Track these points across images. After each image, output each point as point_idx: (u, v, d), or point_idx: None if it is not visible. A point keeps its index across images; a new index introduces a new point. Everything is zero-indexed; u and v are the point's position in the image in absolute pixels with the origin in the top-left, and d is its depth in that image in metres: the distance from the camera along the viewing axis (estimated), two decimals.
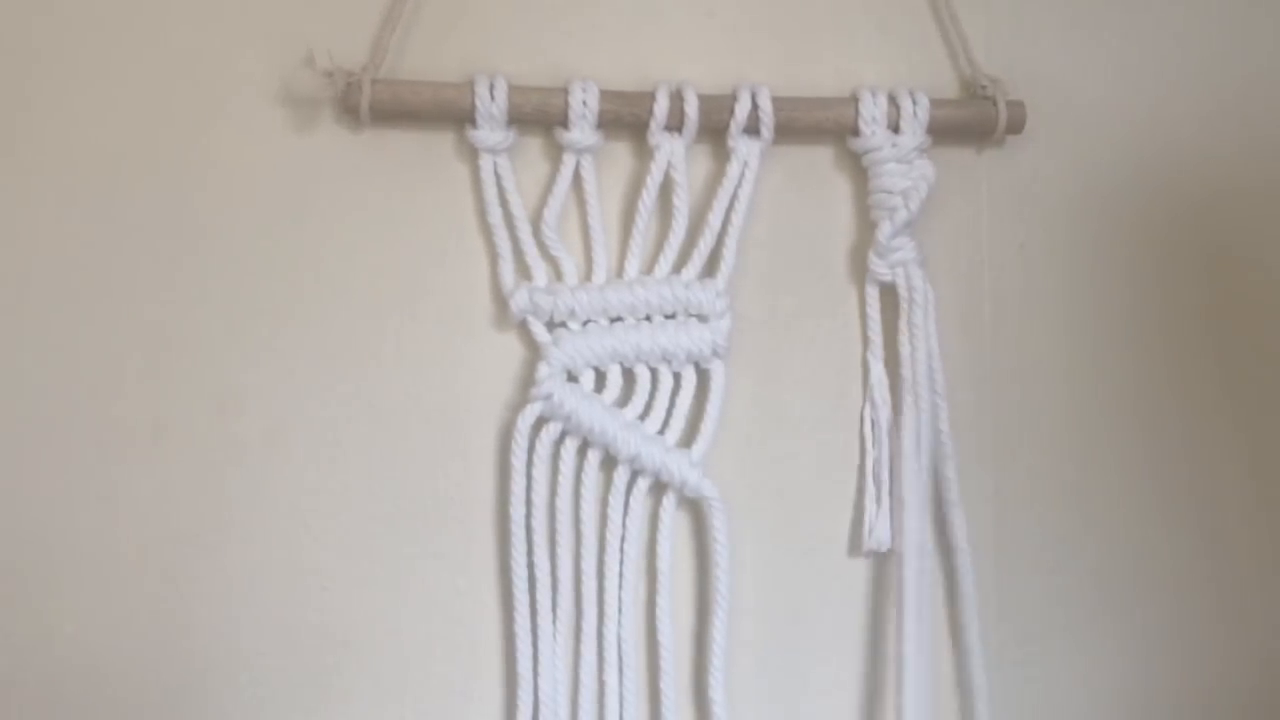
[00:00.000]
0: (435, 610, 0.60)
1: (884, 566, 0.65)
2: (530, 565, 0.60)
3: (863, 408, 0.64)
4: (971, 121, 0.63)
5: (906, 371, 0.62)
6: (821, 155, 0.64)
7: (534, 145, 0.61)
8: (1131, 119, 0.67)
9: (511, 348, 0.61)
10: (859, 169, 0.63)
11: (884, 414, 0.63)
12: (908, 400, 0.62)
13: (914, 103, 0.62)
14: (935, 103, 0.62)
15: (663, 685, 0.61)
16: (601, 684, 0.61)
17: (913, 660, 0.61)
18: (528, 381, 0.60)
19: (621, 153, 0.62)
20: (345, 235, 0.60)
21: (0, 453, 0.57)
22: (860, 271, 0.64)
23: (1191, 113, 0.68)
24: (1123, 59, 0.67)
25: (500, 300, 0.60)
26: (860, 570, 0.65)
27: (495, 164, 0.60)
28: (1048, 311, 0.67)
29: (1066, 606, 0.67)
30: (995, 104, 0.63)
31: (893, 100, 0.62)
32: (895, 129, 0.62)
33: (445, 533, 0.61)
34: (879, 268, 0.62)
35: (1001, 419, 0.66)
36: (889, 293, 0.63)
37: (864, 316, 0.64)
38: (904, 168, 0.62)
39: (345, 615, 0.60)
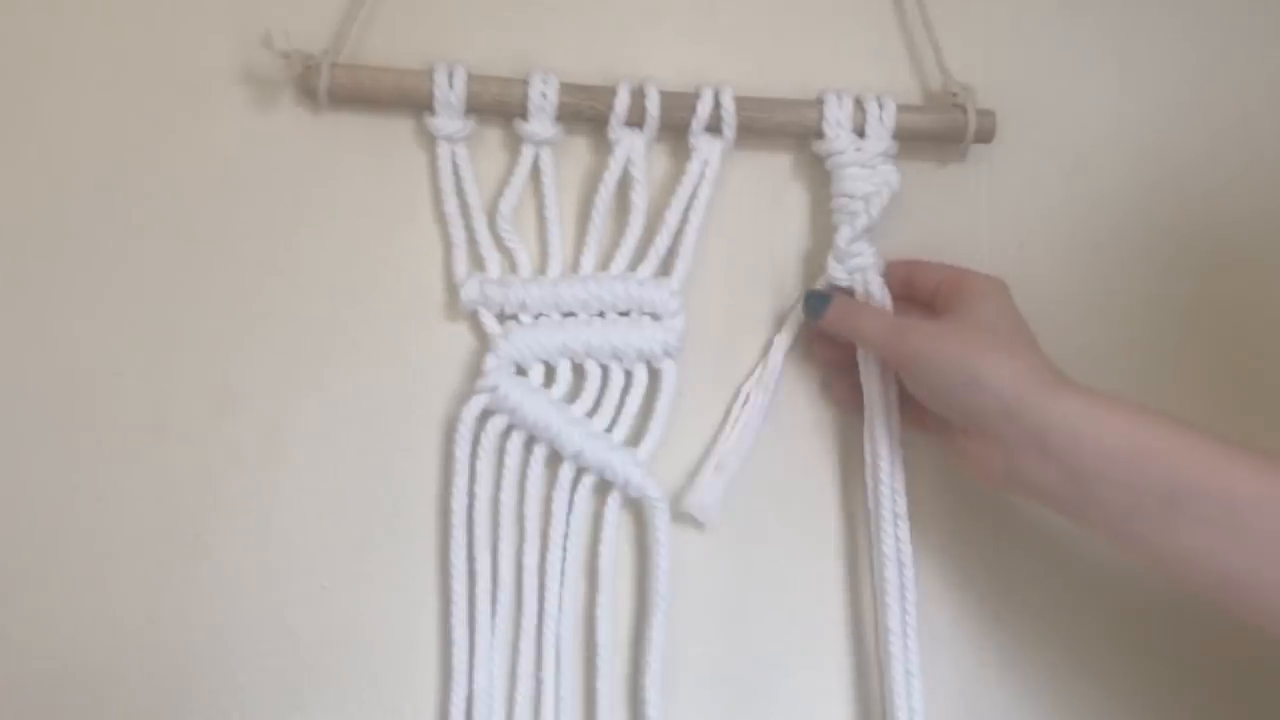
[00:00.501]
0: (435, 610, 0.60)
1: (854, 569, 0.64)
2: (470, 559, 0.59)
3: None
4: (938, 128, 0.62)
5: (864, 380, 0.61)
6: (782, 160, 0.64)
7: (494, 136, 0.61)
8: (1132, 119, 0.66)
9: (463, 339, 0.61)
10: (819, 175, 0.62)
11: None
12: (870, 412, 0.61)
13: (880, 107, 0.61)
14: (903, 108, 0.61)
15: (599, 685, 0.60)
16: (539, 681, 0.60)
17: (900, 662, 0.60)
18: (476, 374, 0.60)
19: (581, 147, 0.61)
20: (302, 218, 0.60)
21: (0, 452, 0.57)
22: (815, 276, 0.63)
23: (1192, 113, 0.67)
24: (1123, 59, 0.66)
25: (454, 290, 0.60)
26: (819, 571, 0.64)
27: (453, 153, 0.60)
28: (1048, 311, 0.65)
29: (1066, 608, 0.65)
30: (965, 111, 0.62)
31: (859, 104, 0.61)
32: (861, 133, 0.61)
33: (410, 528, 0.60)
34: (837, 273, 0.61)
35: None
36: None
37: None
38: (867, 172, 0.61)
39: (345, 615, 0.60)
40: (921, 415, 0.60)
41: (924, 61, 0.65)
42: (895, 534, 0.60)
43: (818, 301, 0.60)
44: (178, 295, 0.59)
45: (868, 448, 0.61)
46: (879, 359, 0.60)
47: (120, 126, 0.59)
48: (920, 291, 0.61)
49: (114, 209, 0.59)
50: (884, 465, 0.60)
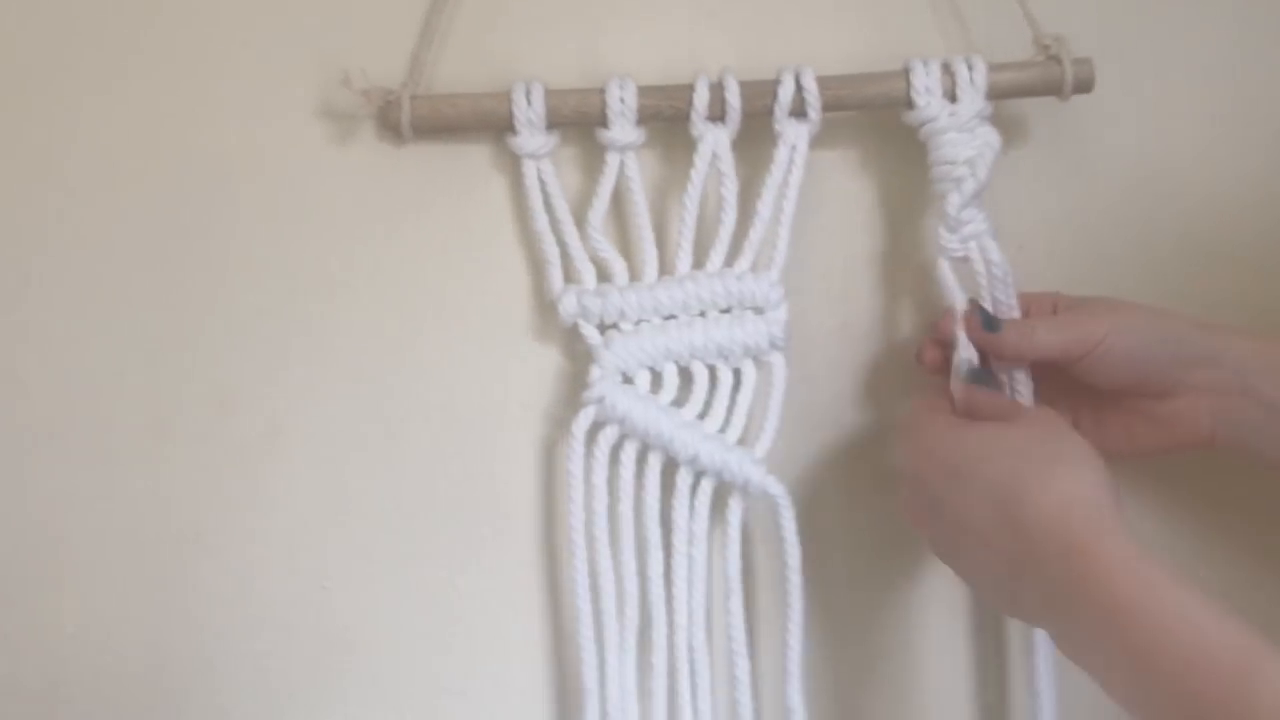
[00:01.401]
0: (434, 610, 0.60)
1: None
2: (593, 574, 0.58)
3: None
4: (1035, 83, 0.59)
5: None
6: (870, 135, 0.62)
7: (574, 148, 0.60)
8: (1132, 119, 0.64)
9: (550, 357, 0.61)
10: (912, 148, 0.60)
11: None
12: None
13: (969, 68, 0.58)
14: (994, 67, 0.59)
15: (739, 696, 0.59)
16: (673, 693, 0.59)
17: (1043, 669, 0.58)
18: (567, 389, 0.60)
19: (664, 147, 0.61)
20: (382, 246, 0.60)
21: (0, 452, 0.59)
22: (914, 253, 0.61)
23: (1193, 112, 0.64)
24: (1123, 58, 0.63)
25: (539, 310, 0.60)
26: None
27: (538, 169, 0.59)
28: None
29: None
30: (1060, 63, 0.59)
31: (946, 68, 0.59)
32: (952, 97, 0.59)
33: (421, 531, 0.61)
34: (951, 243, 0.58)
35: None
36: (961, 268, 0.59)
37: (947, 290, 0.59)
38: (966, 136, 0.58)
39: (346, 615, 0.60)
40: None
41: (1001, 19, 0.62)
42: None
43: (989, 321, 0.57)
44: (271, 324, 0.60)
45: None
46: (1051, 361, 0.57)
47: (203, 161, 0.60)
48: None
49: (201, 241, 0.60)
50: None
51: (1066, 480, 0.47)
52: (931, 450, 0.52)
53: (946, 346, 0.58)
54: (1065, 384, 0.58)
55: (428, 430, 0.61)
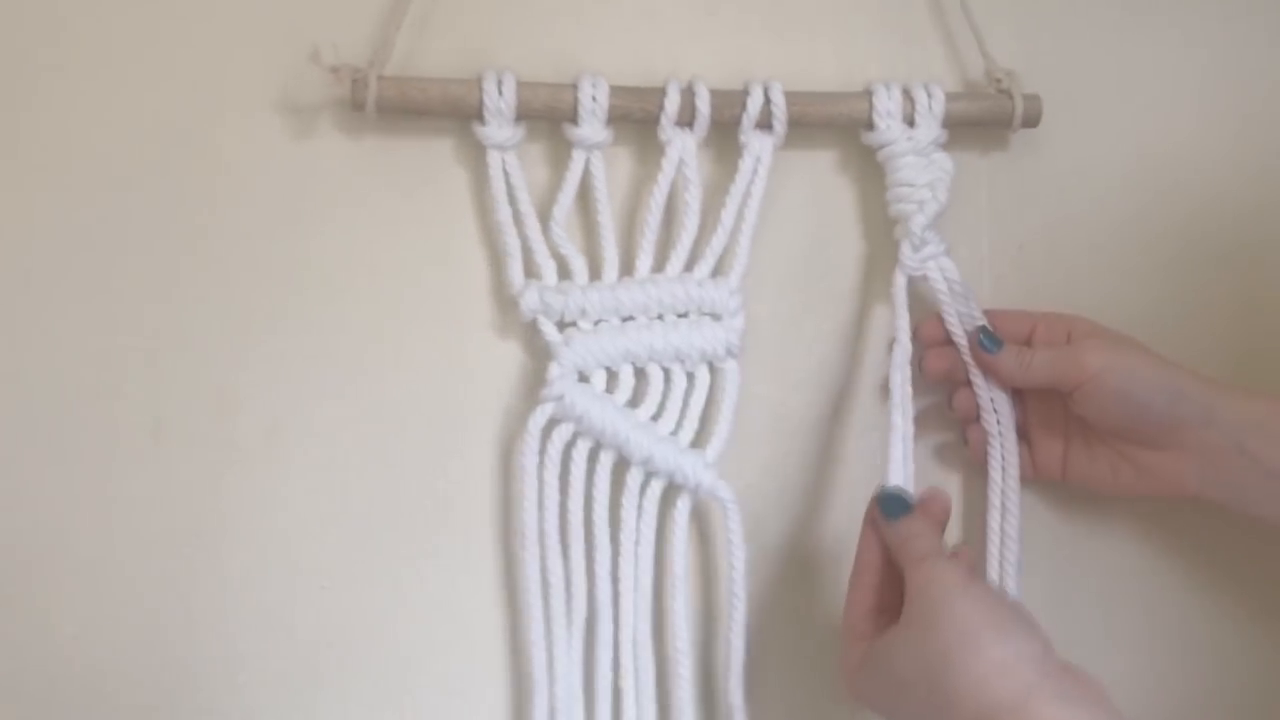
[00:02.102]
0: (434, 610, 0.60)
1: None
2: (543, 569, 0.59)
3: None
4: (986, 115, 0.62)
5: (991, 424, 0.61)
6: (827, 155, 0.64)
7: (540, 143, 0.60)
8: (1132, 118, 0.67)
9: (511, 351, 0.60)
10: (864, 169, 0.62)
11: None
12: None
13: (929, 95, 0.61)
14: (950, 96, 0.61)
15: (678, 691, 0.60)
16: (617, 689, 0.59)
17: None
18: (527, 384, 0.59)
19: (631, 149, 0.61)
20: (344, 237, 0.59)
21: (0, 453, 0.56)
22: (868, 270, 0.63)
23: (1192, 112, 0.67)
24: (1124, 58, 0.66)
25: (500, 303, 0.60)
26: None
27: (504, 161, 0.59)
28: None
29: (1067, 608, 0.66)
30: (1011, 97, 0.62)
31: (907, 94, 0.61)
32: (910, 123, 0.61)
33: (442, 534, 0.60)
34: (912, 261, 0.61)
35: None
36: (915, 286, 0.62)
37: (896, 308, 0.61)
38: (923, 161, 0.61)
39: (345, 615, 0.59)
40: (1053, 459, 0.61)
41: (954, 51, 0.65)
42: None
43: (990, 340, 0.59)
44: (201, 302, 0.58)
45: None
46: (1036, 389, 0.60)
47: (152, 134, 0.57)
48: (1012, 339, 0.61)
49: (167, 228, 0.58)
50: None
51: (993, 647, 0.46)
52: (865, 688, 0.52)
53: (944, 355, 0.60)
54: (1065, 410, 0.60)
55: (390, 426, 0.59)
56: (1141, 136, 0.67)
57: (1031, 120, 0.63)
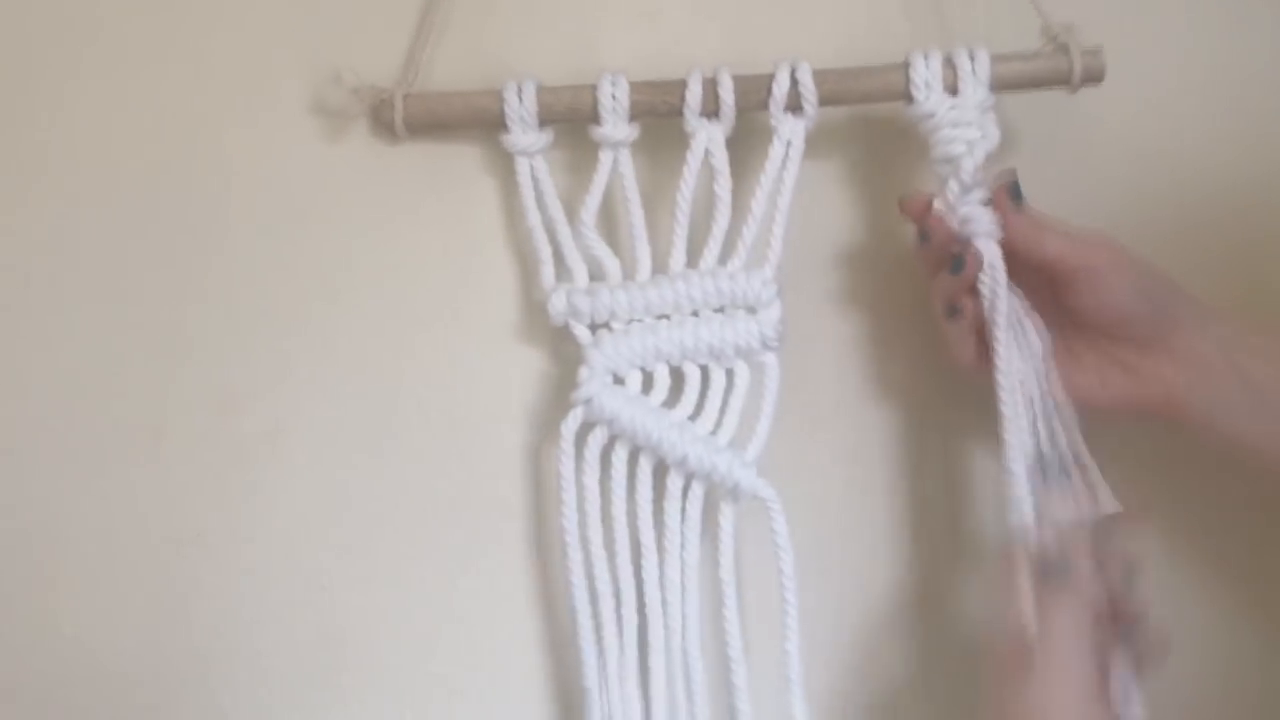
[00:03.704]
0: (435, 610, 0.60)
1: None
2: (589, 576, 0.58)
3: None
4: (1042, 74, 0.58)
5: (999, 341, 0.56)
6: (872, 128, 0.61)
7: (567, 145, 0.60)
8: (1132, 118, 0.63)
9: (534, 356, 0.61)
10: (906, 142, 0.59)
11: None
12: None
13: (972, 60, 0.57)
14: (998, 58, 0.57)
15: (738, 703, 0.58)
16: (672, 699, 0.58)
17: None
18: (554, 389, 0.59)
19: (654, 145, 0.60)
20: (371, 249, 0.60)
21: (0, 453, 0.59)
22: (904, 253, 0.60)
23: (1194, 112, 0.63)
24: (1125, 57, 0.60)
25: (526, 310, 0.60)
26: (934, 565, 0.61)
27: (531, 166, 0.59)
28: None
29: None
30: (1068, 53, 0.57)
31: (948, 61, 0.57)
32: (954, 91, 0.57)
33: (420, 530, 0.60)
34: (960, 202, 0.56)
35: None
36: None
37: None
38: (965, 130, 0.56)
39: (345, 615, 0.60)
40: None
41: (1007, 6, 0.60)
42: None
43: (1016, 192, 0.56)
44: (212, 304, 0.60)
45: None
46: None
47: (166, 139, 0.60)
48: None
49: (163, 220, 0.60)
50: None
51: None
52: None
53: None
54: (1051, 317, 0.57)
55: (421, 429, 0.60)
56: (1143, 136, 0.63)
57: (1094, 77, 0.57)
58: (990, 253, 0.56)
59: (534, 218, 0.59)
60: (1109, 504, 0.56)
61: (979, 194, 0.56)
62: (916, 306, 0.61)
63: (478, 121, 0.59)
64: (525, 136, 0.58)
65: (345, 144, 0.60)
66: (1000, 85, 0.57)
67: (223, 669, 0.60)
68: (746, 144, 0.59)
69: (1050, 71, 0.58)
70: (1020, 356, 0.56)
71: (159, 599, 0.60)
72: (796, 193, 0.58)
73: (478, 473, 0.61)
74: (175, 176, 0.60)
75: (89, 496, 0.59)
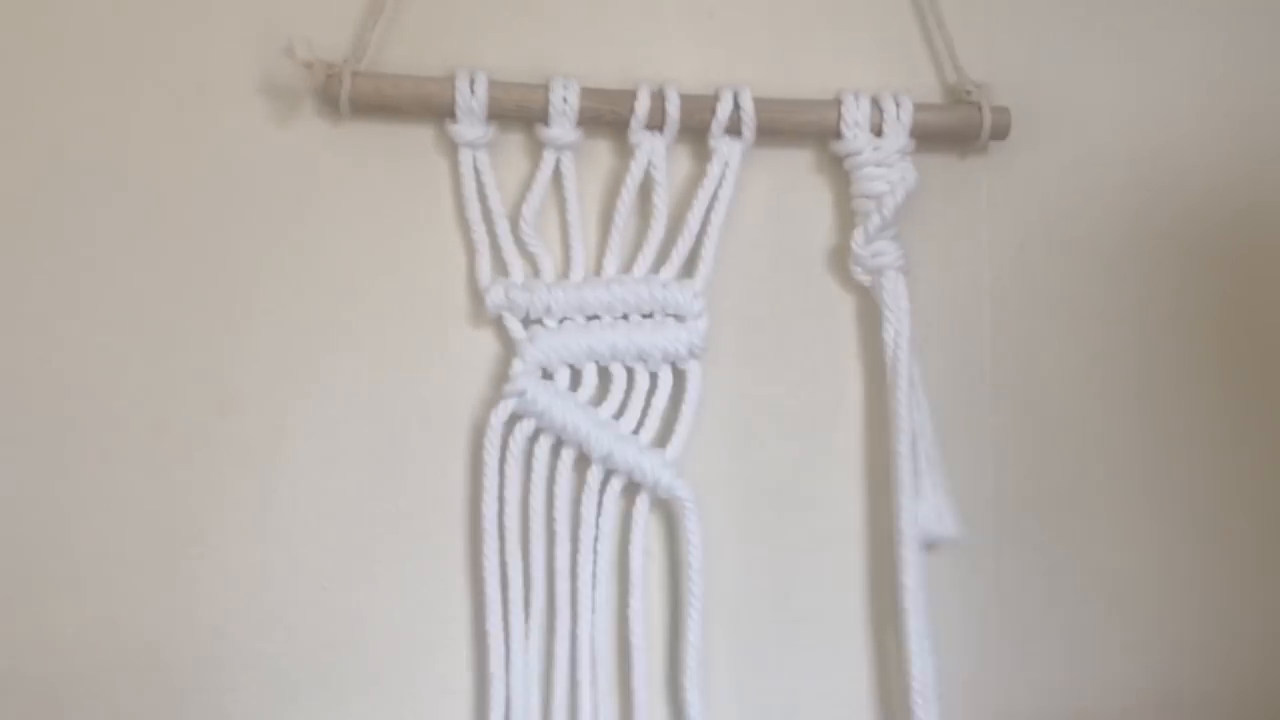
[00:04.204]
0: (436, 611, 0.60)
1: (878, 563, 0.64)
2: (503, 564, 0.59)
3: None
4: (955, 126, 0.63)
5: (889, 375, 0.62)
6: (802, 158, 0.64)
7: (515, 141, 0.61)
8: (1131, 119, 0.67)
9: (488, 344, 0.61)
10: (840, 173, 0.63)
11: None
12: (893, 401, 0.61)
13: (897, 106, 0.62)
14: (919, 106, 0.62)
15: (635, 685, 0.61)
16: (574, 683, 0.60)
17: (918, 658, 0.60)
18: (502, 379, 0.60)
19: (602, 150, 0.62)
20: (323, 227, 0.60)
21: (1, 452, 0.57)
22: (840, 274, 0.64)
23: (1191, 112, 0.68)
24: (1123, 59, 0.66)
25: (478, 296, 0.60)
26: (845, 567, 0.65)
27: (475, 159, 0.60)
28: (1048, 311, 0.66)
29: (1066, 608, 0.66)
30: (980, 109, 0.63)
31: (876, 103, 0.61)
32: (878, 132, 0.62)
33: (420, 529, 0.60)
34: (856, 274, 0.62)
35: (1001, 419, 0.66)
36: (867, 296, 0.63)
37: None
38: (884, 171, 0.61)
39: (345, 615, 0.60)
40: None
41: (938, 60, 0.65)
42: None
43: None
44: (184, 299, 0.59)
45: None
46: None
47: (132, 131, 0.59)
48: None
49: (125, 212, 0.59)
50: None
51: None
52: None
53: None
54: None
55: (360, 417, 0.60)
56: (1142, 136, 0.67)
57: (1000, 132, 0.63)
58: (890, 285, 0.61)
59: (474, 210, 0.60)
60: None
61: (891, 230, 0.61)
62: (852, 323, 0.64)
63: (426, 108, 0.59)
64: (472, 129, 0.59)
65: (293, 126, 0.59)
66: (917, 133, 0.62)
67: (223, 668, 0.58)
68: (688, 160, 0.62)
69: (962, 124, 0.63)
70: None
71: (160, 599, 0.58)
72: (729, 212, 0.61)
73: (460, 470, 0.61)
74: (148, 168, 0.59)
75: (89, 496, 0.57)
